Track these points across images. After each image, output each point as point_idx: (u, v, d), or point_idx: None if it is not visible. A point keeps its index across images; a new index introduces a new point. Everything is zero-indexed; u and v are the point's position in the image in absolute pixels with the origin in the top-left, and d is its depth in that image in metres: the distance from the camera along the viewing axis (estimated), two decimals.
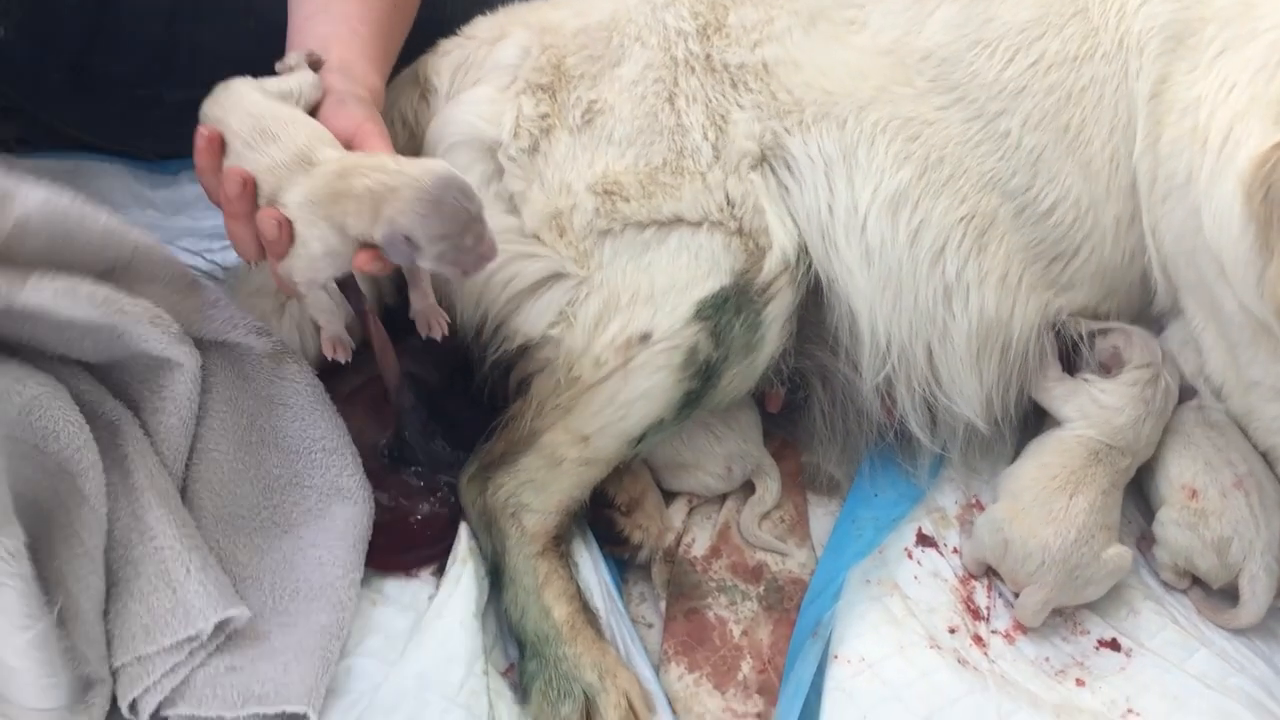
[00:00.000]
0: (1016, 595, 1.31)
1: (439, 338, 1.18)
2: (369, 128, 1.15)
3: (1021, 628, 1.30)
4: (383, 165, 1.06)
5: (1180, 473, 1.36)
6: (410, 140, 1.39)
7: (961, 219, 1.34)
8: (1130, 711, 1.22)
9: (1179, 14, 1.30)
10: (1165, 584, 1.37)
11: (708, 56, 1.35)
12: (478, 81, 1.37)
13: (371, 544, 1.25)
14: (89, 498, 1.11)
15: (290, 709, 1.08)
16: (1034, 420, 1.45)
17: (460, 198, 1.04)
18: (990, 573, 1.35)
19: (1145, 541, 1.40)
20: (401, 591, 1.26)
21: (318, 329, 1.23)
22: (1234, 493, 1.32)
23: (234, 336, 1.22)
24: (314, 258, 1.09)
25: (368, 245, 1.07)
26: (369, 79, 1.23)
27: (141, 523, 1.12)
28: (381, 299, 1.38)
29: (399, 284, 1.22)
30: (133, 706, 1.07)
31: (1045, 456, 1.36)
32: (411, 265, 1.08)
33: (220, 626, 1.10)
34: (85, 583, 1.08)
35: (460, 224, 1.04)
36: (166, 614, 1.08)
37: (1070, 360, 1.42)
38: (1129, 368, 1.37)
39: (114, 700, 1.08)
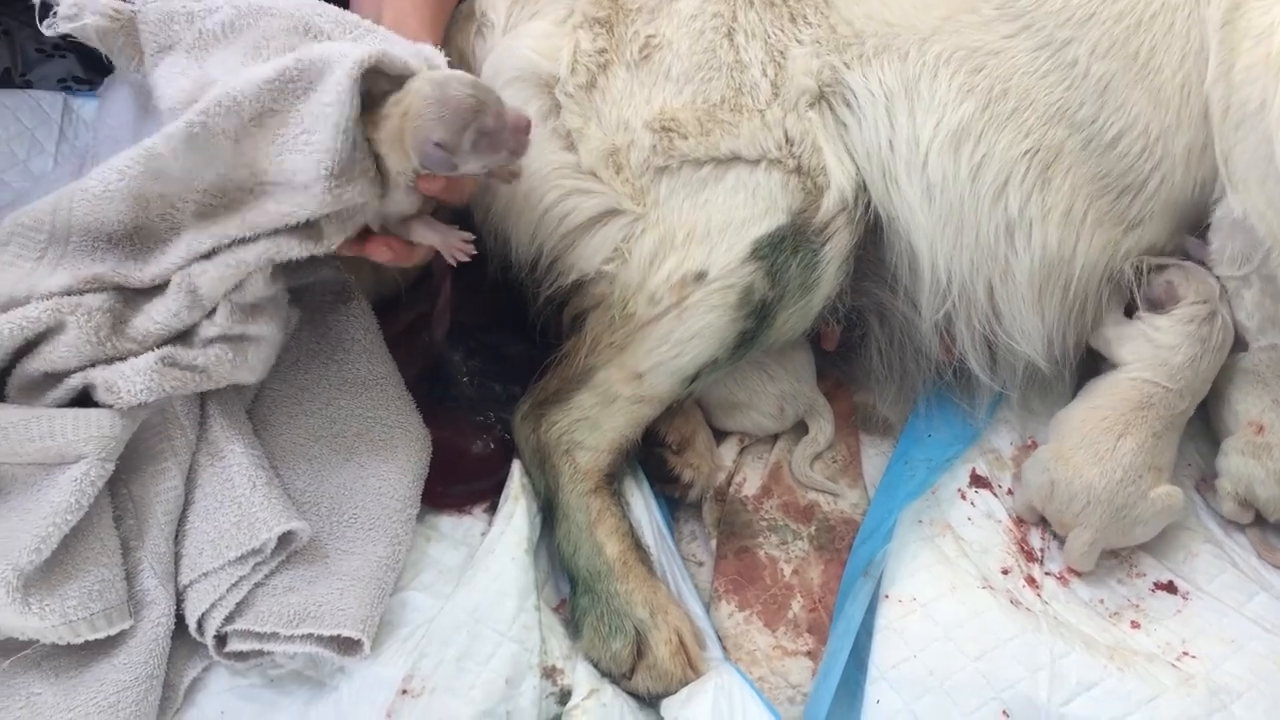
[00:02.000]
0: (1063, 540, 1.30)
1: (468, 257, 1.17)
2: None
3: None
4: (398, 99, 1.08)
5: (1248, 409, 1.35)
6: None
7: (1026, 153, 1.31)
8: (1186, 654, 1.21)
9: None
10: (1224, 527, 1.36)
11: None
12: (534, 15, 1.36)
13: (426, 480, 1.27)
14: (180, 418, 1.15)
15: (345, 633, 1.11)
16: (1093, 361, 1.43)
17: (463, 86, 1.07)
18: (1042, 521, 1.34)
19: (1206, 484, 1.39)
20: (455, 527, 1.29)
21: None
22: None
23: (303, 276, 1.24)
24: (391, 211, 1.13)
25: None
26: (422, 38, 1.23)
27: (212, 445, 1.17)
28: None
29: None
30: (199, 627, 1.11)
31: (1097, 399, 1.35)
32: (454, 171, 1.09)
33: (282, 543, 1.14)
34: (162, 500, 1.13)
35: (473, 109, 1.07)
36: (232, 528, 1.12)
37: (1138, 299, 1.40)
38: (1184, 304, 1.34)
39: (180, 623, 1.12)
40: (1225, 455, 1.35)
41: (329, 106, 1.04)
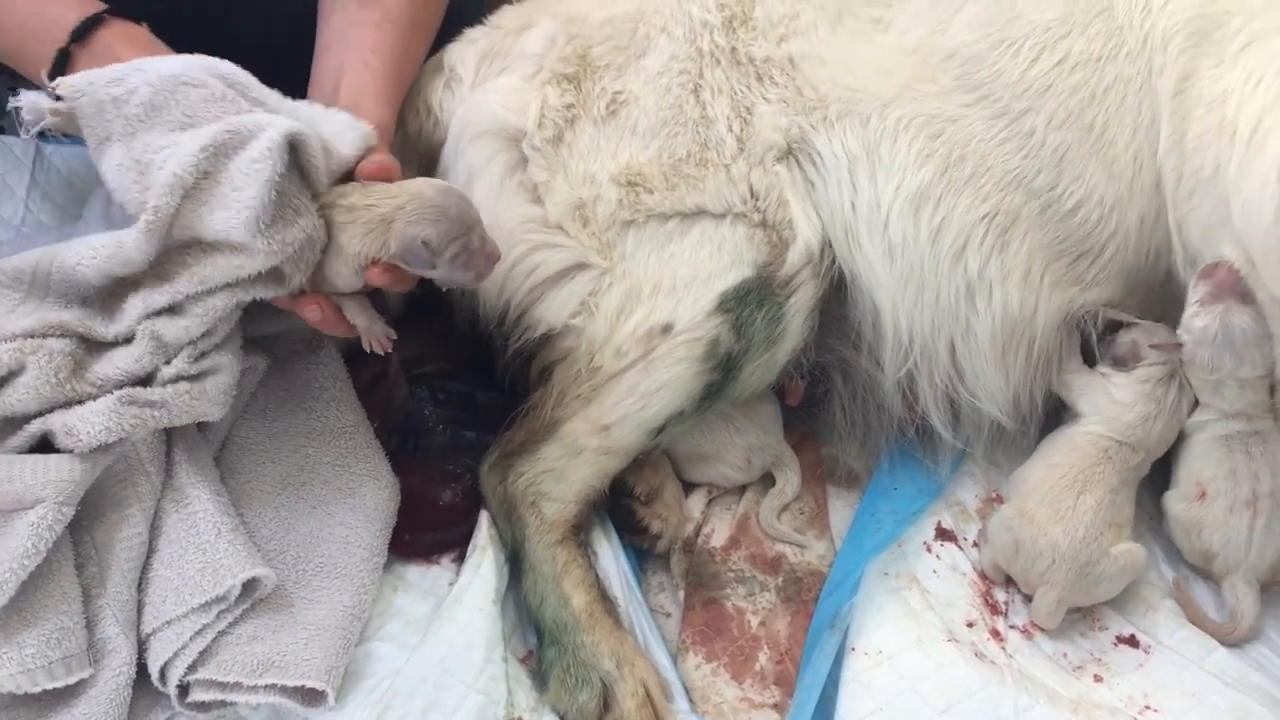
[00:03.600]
0: (1031, 598, 1.31)
1: (382, 353, 1.21)
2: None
3: None
4: (387, 190, 1.16)
5: (1201, 468, 1.36)
6: (436, 128, 1.41)
7: (983, 217, 1.34)
8: (1148, 708, 1.22)
9: (1203, 9, 1.30)
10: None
11: (733, 49, 1.36)
12: (503, 71, 1.39)
13: (394, 529, 1.26)
14: (145, 464, 1.15)
15: (309, 684, 1.10)
16: (1058, 417, 1.45)
17: (462, 202, 1.16)
18: (1008, 580, 1.35)
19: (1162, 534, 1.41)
20: (422, 577, 1.28)
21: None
22: (1242, 511, 1.32)
23: (273, 325, 1.25)
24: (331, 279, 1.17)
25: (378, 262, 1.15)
26: (376, 114, 1.27)
27: (177, 491, 1.16)
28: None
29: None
30: (162, 676, 1.09)
31: (1054, 456, 1.36)
32: (424, 269, 1.15)
33: (247, 590, 1.13)
34: (124, 546, 1.12)
35: (466, 225, 1.15)
36: (196, 574, 1.11)
37: (1096, 351, 1.42)
38: (1144, 364, 1.36)
39: (142, 672, 1.10)
40: (1168, 511, 1.38)
41: (257, 163, 1.07)
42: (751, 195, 1.30)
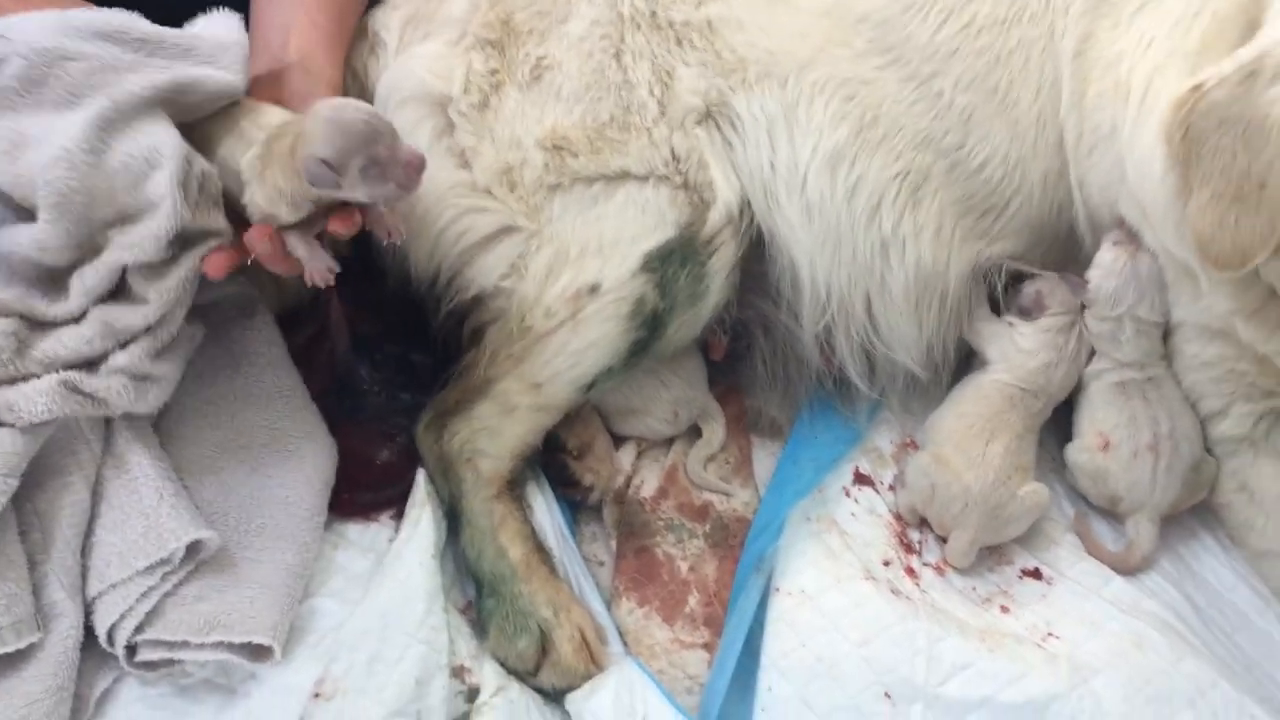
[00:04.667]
0: (944, 540, 1.38)
1: (325, 283, 1.19)
2: None
3: None
4: (293, 120, 1.14)
5: (1104, 418, 1.42)
6: (361, 94, 1.41)
7: (896, 175, 1.39)
8: (1050, 635, 1.29)
9: None
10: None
11: (653, 14, 1.39)
12: (427, 36, 1.40)
13: (333, 489, 1.30)
14: (85, 432, 1.16)
15: (255, 640, 1.13)
16: (968, 364, 1.51)
17: (360, 113, 1.11)
18: (923, 523, 1.41)
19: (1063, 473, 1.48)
20: (362, 535, 1.32)
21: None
22: (1145, 454, 1.38)
23: (209, 293, 1.26)
24: (270, 211, 1.15)
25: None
26: (327, 73, 1.28)
27: (117, 458, 1.18)
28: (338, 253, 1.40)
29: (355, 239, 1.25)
30: (109, 638, 1.12)
31: (964, 405, 1.42)
32: (336, 194, 1.12)
33: (190, 552, 1.15)
34: (68, 513, 1.14)
35: (364, 136, 1.10)
36: (140, 539, 1.13)
37: (1002, 303, 1.48)
38: (1047, 314, 1.43)
39: (89, 634, 1.13)
40: (1071, 463, 1.44)
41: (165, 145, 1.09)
42: (673, 158, 1.34)
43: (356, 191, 1.12)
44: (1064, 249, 1.48)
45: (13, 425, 1.10)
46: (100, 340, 1.13)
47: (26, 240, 1.10)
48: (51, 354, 1.12)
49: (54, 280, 1.13)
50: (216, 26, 1.23)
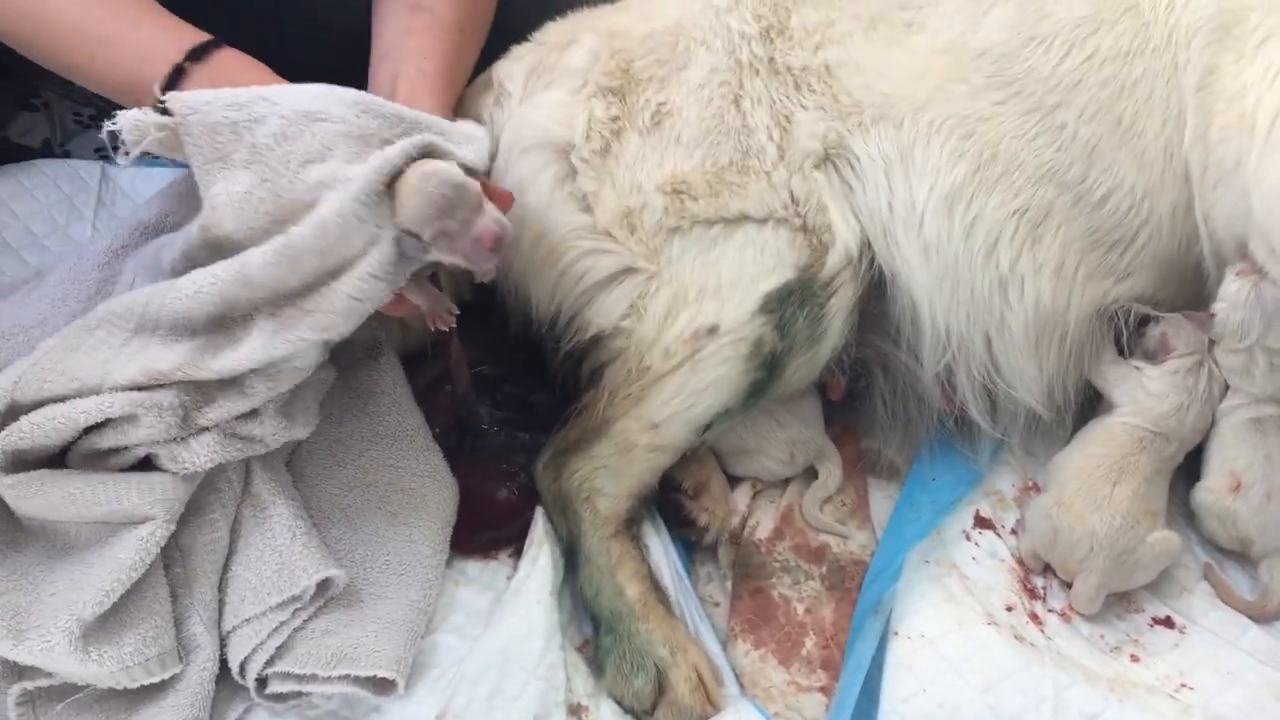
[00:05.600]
0: (1069, 585, 1.35)
1: (445, 329, 1.23)
2: None
3: None
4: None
5: (1236, 457, 1.38)
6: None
7: (1014, 213, 1.37)
8: (1184, 686, 1.26)
9: (1224, 4, 1.33)
10: (1219, 564, 1.41)
11: (771, 59, 1.40)
12: (550, 85, 1.42)
13: (454, 527, 1.33)
14: (228, 473, 1.21)
15: (380, 673, 1.16)
16: (1093, 406, 1.48)
17: (439, 185, 1.12)
18: (1047, 568, 1.38)
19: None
20: (482, 572, 1.34)
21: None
22: (1278, 496, 1.35)
23: None
24: None
25: None
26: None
27: (255, 498, 1.22)
28: (460, 296, 1.44)
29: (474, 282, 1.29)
30: (241, 670, 1.16)
31: (1091, 446, 1.40)
32: (421, 257, 1.14)
33: (320, 589, 1.19)
34: (208, 549, 1.19)
35: (440, 208, 1.11)
36: (273, 575, 1.17)
37: (1127, 346, 1.46)
38: (1173, 355, 1.40)
39: (222, 666, 1.17)
40: (1198, 504, 1.40)
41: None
42: (792, 201, 1.34)
43: (439, 257, 1.14)
44: (1191, 286, 1.45)
45: (174, 472, 1.15)
46: (261, 394, 1.17)
47: (232, 268, 1.11)
48: (213, 419, 1.15)
49: (222, 334, 1.15)
50: (466, 124, 1.27)
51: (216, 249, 1.15)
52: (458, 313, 1.23)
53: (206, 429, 1.16)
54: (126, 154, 1.15)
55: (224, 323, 1.14)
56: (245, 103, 1.14)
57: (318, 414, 1.26)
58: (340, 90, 1.18)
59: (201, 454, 1.15)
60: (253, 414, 1.18)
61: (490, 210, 1.15)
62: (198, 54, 1.22)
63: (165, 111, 1.15)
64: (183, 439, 1.15)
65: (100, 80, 1.27)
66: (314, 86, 1.18)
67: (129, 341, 1.16)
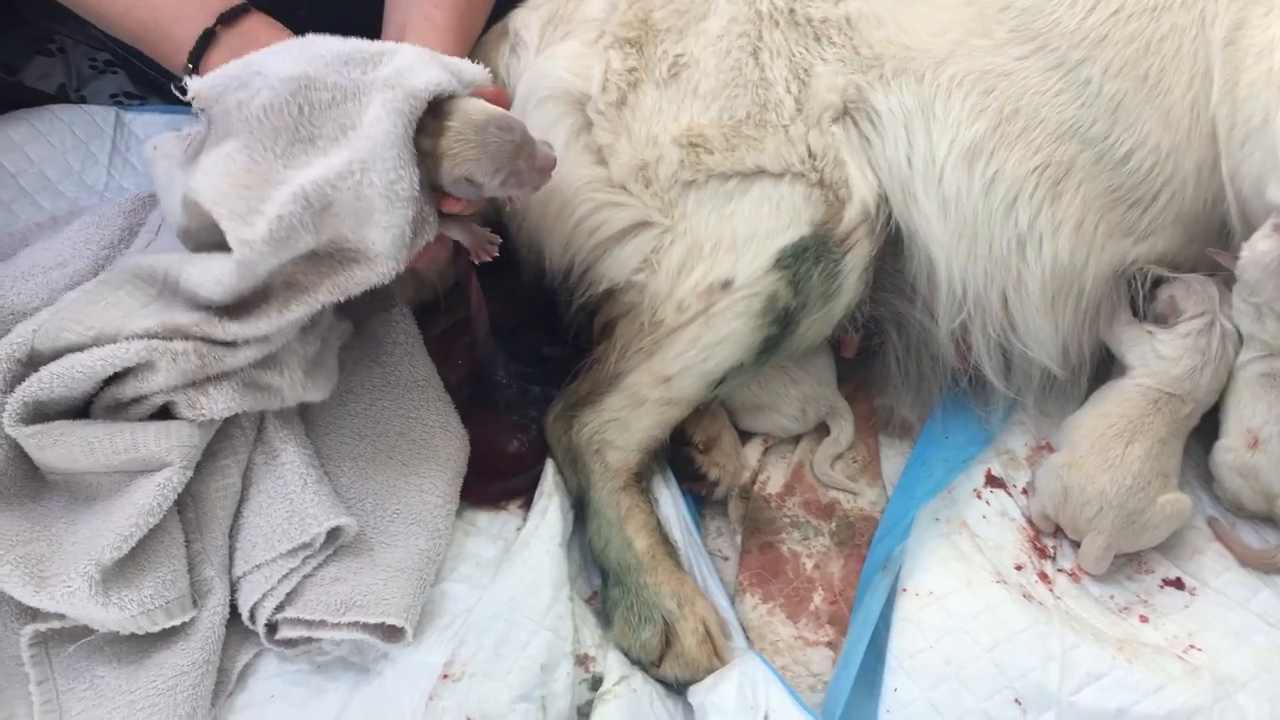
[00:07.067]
0: (1079, 545, 1.35)
1: (490, 259, 1.24)
2: None
3: None
4: (433, 135, 1.14)
5: (1252, 414, 1.37)
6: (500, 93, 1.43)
7: (1035, 169, 1.36)
8: (1192, 647, 1.26)
9: None
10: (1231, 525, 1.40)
11: (791, 10, 1.38)
12: (566, 36, 1.41)
13: (464, 478, 1.33)
14: (241, 420, 1.22)
15: (389, 621, 1.17)
16: (1108, 366, 1.48)
17: (500, 133, 1.13)
18: (1057, 530, 1.38)
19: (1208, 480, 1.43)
20: (491, 522, 1.35)
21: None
22: None
23: None
24: None
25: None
26: None
27: (267, 445, 1.23)
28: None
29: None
30: (251, 615, 1.17)
31: (1105, 406, 1.39)
32: (479, 199, 1.17)
33: (330, 537, 1.20)
34: (221, 496, 1.19)
35: (507, 154, 1.14)
36: (284, 523, 1.18)
37: (1142, 309, 1.45)
38: (1184, 318, 1.39)
39: (233, 611, 1.18)
40: (1216, 465, 1.39)
41: (396, 185, 1.10)
42: (809, 155, 1.33)
43: (491, 194, 1.17)
44: (1216, 245, 1.42)
45: (190, 419, 1.16)
46: (278, 341, 1.18)
47: (231, 274, 1.11)
48: (235, 364, 1.16)
49: (239, 307, 1.15)
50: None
51: (196, 214, 1.15)
52: (499, 240, 1.23)
53: (225, 376, 1.16)
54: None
55: (239, 302, 1.15)
56: (246, 81, 1.14)
57: (336, 374, 1.27)
58: (320, 45, 1.17)
59: (220, 401, 1.15)
60: (273, 362, 1.19)
61: (537, 139, 1.16)
62: (228, 18, 1.25)
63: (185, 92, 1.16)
64: (201, 385, 1.15)
65: (132, 35, 1.29)
66: (292, 46, 1.18)
67: (151, 302, 1.17)
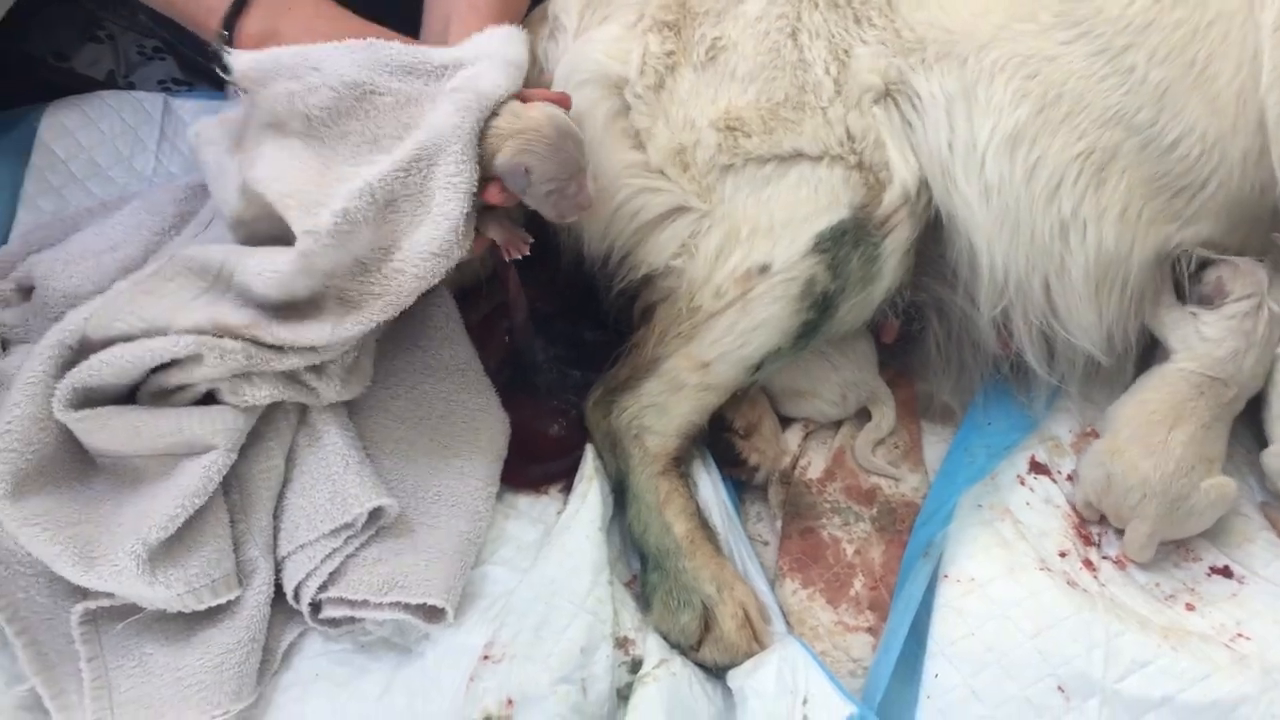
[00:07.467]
0: (1123, 532, 1.33)
1: (522, 255, 1.25)
2: None
3: None
4: (512, 109, 1.18)
5: None
6: (541, 76, 1.44)
7: (1078, 155, 1.34)
8: (1240, 636, 1.24)
9: None
10: None
11: None
12: (605, 19, 1.42)
13: (505, 461, 1.34)
14: (285, 405, 1.23)
15: (430, 601, 1.18)
16: (1154, 352, 1.45)
17: (575, 148, 1.19)
18: (1101, 519, 1.36)
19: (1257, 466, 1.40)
20: (532, 506, 1.36)
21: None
22: None
23: None
24: None
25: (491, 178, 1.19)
26: None
27: (310, 427, 1.25)
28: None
29: (529, 222, 1.29)
30: (295, 595, 1.19)
31: (1147, 392, 1.37)
32: (520, 194, 1.19)
33: (373, 518, 1.21)
34: (265, 478, 1.21)
35: (569, 171, 1.18)
36: (327, 503, 1.20)
37: (1184, 290, 1.42)
38: (1230, 299, 1.36)
39: (278, 591, 1.20)
40: (1268, 466, 1.36)
41: (455, 178, 1.13)
42: (848, 137, 1.33)
43: (531, 199, 1.20)
44: (1265, 233, 1.41)
45: (234, 405, 1.18)
46: (326, 355, 1.20)
47: (293, 263, 1.14)
48: (280, 368, 1.18)
49: (290, 310, 1.18)
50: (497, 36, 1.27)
51: (255, 204, 1.18)
52: (532, 240, 1.25)
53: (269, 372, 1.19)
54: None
55: (290, 305, 1.17)
56: (299, 74, 1.17)
57: (370, 374, 1.28)
58: (379, 50, 1.20)
59: (263, 388, 1.18)
60: (316, 367, 1.21)
61: (589, 180, 1.21)
62: None
63: (225, 68, 1.19)
64: (245, 376, 1.18)
65: (166, 2, 1.30)
66: (356, 48, 1.20)
67: (200, 295, 1.20)
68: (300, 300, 1.17)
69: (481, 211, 1.21)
